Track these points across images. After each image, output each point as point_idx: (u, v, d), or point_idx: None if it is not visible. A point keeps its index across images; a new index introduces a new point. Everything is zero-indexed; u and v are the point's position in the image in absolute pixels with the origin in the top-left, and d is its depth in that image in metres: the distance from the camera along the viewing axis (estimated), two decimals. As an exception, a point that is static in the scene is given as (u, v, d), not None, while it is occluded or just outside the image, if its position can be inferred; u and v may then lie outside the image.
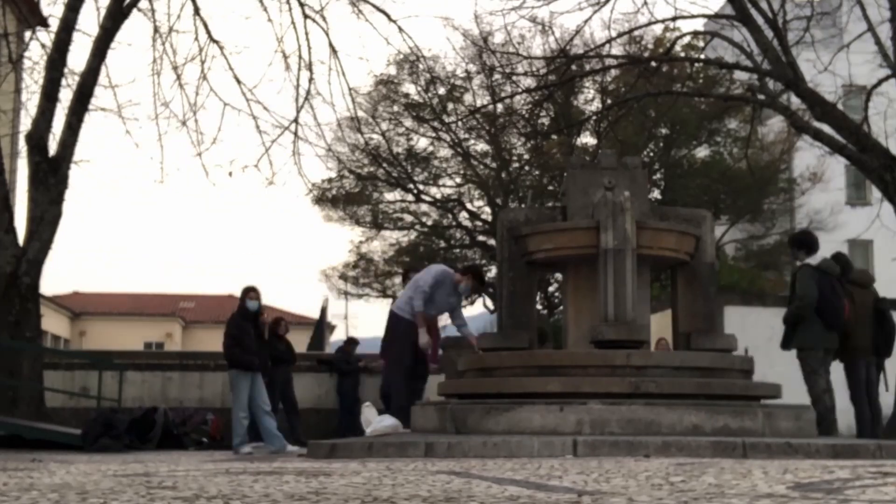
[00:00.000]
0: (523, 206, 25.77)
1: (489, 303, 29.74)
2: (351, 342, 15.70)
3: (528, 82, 19.40)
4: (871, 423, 9.44)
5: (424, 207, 30.19)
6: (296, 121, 15.58)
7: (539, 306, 24.99)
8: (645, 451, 6.60)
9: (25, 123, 15.10)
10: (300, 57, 15.62)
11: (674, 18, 15.97)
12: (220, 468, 5.55)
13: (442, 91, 26.68)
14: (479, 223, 29.59)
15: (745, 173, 22.92)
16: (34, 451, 10.42)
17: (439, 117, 27.71)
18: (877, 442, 7.70)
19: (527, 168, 28.89)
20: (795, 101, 16.22)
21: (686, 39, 19.04)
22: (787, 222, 31.45)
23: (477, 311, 33.17)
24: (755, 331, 13.57)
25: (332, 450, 7.33)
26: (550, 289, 28.01)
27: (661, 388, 8.00)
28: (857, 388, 9.55)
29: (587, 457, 6.42)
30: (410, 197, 29.73)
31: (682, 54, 20.44)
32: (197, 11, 15.34)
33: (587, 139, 28.39)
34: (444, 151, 29.28)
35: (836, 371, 9.64)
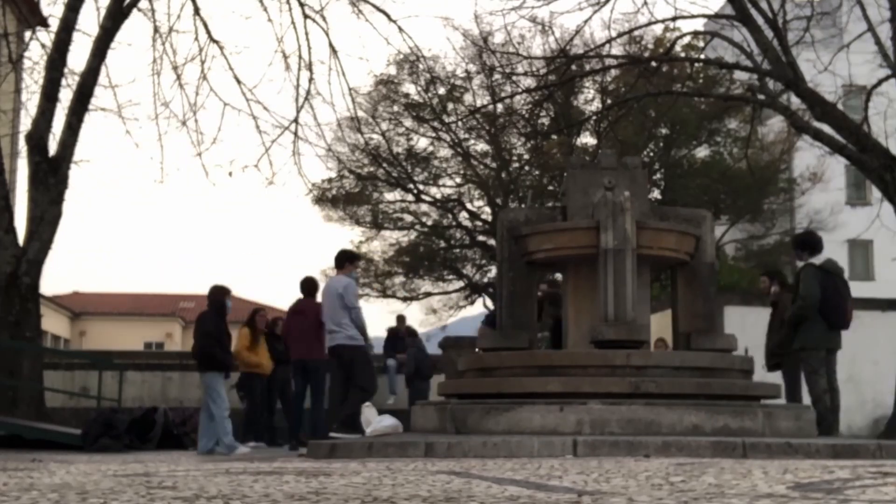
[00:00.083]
0: (523, 206, 25.78)
1: (489, 303, 29.75)
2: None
3: (528, 82, 19.40)
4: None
5: (424, 207, 30.20)
6: (296, 121, 15.60)
7: (539, 306, 24.96)
8: (645, 451, 6.60)
9: (25, 123, 15.11)
10: (300, 57, 15.64)
11: (674, 18, 15.96)
12: (220, 468, 5.55)
13: (442, 91, 26.68)
14: (479, 223, 29.59)
15: (745, 173, 22.90)
16: (34, 451, 10.42)
17: (439, 117, 27.71)
18: (877, 442, 7.71)
19: (527, 168, 28.89)
20: (795, 101, 16.20)
21: (686, 39, 19.02)
22: (787, 222, 31.45)
23: (477, 311, 33.15)
24: (755, 331, 13.55)
25: (332, 450, 7.33)
26: (550, 289, 27.98)
27: (661, 388, 8.00)
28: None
29: (587, 457, 6.41)
30: (410, 197, 29.73)
31: (682, 54, 20.42)
32: (197, 11, 15.35)
33: (587, 139, 28.40)
34: (444, 151, 29.29)
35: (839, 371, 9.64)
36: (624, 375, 8.15)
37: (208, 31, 15.47)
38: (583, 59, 19.10)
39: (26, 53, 15.89)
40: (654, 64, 17.58)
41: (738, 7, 14.37)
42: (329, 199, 29.41)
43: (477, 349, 10.55)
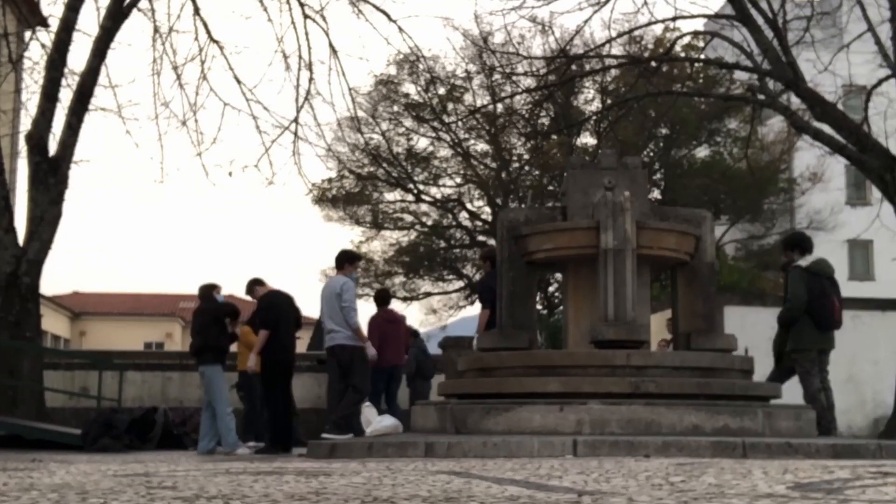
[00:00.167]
0: (523, 206, 25.78)
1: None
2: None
3: (528, 82, 19.41)
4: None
5: (424, 207, 30.21)
6: (296, 121, 15.60)
7: (539, 306, 25.00)
8: (645, 451, 6.60)
9: (25, 123, 15.11)
10: (300, 57, 15.65)
11: (674, 18, 15.96)
12: (220, 468, 5.55)
13: (442, 91, 26.69)
14: (479, 223, 29.60)
15: (745, 173, 22.91)
16: (34, 451, 10.42)
17: (439, 117, 27.72)
18: (877, 442, 7.71)
19: (527, 168, 28.90)
20: (795, 101, 16.20)
21: (686, 39, 19.02)
22: (787, 222, 31.45)
23: (477, 311, 33.14)
24: (755, 331, 13.55)
25: (332, 450, 7.33)
26: (550, 289, 28.01)
27: (661, 388, 8.00)
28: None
29: (587, 457, 6.41)
30: (410, 197, 29.74)
31: (682, 54, 20.42)
32: (197, 11, 15.36)
33: (587, 139, 28.40)
34: (444, 151, 29.30)
35: (833, 371, 9.64)
36: (624, 375, 8.15)
37: (208, 31, 15.48)
38: (583, 59, 19.11)
39: (26, 53, 15.90)
40: (654, 64, 17.58)
41: (738, 7, 14.37)
42: (329, 199, 29.42)
43: (476, 348, 10.54)
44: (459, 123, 27.19)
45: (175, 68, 15.45)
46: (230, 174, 15.84)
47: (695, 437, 7.13)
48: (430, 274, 30.82)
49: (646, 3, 17.24)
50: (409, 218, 30.38)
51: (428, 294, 31.18)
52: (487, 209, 29.25)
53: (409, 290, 30.50)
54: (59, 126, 14.00)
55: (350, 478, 4.28)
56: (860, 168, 14.75)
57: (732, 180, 26.75)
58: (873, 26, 14.50)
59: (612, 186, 8.87)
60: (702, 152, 29.00)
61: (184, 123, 15.48)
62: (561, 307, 19.63)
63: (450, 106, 27.29)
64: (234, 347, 11.74)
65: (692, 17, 16.07)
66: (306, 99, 15.52)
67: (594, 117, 25.51)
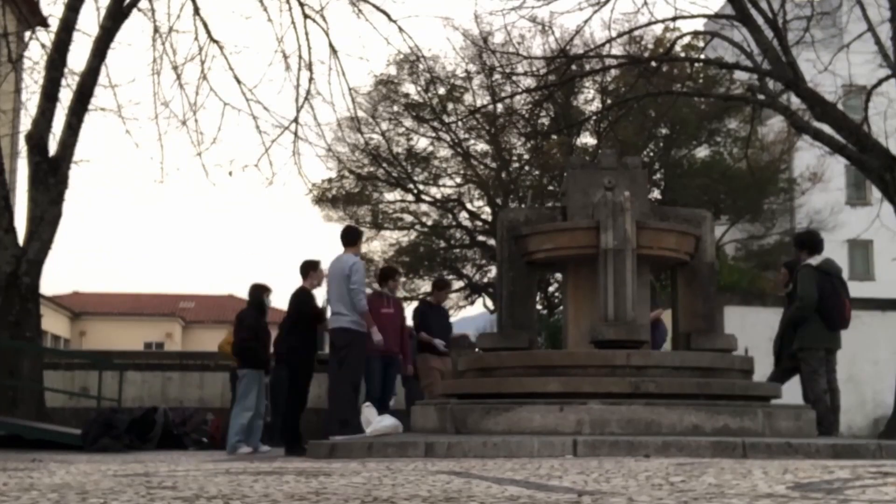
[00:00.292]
0: (523, 206, 25.78)
1: (489, 303, 29.76)
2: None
3: (528, 82, 19.41)
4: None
5: (424, 207, 30.21)
6: (296, 121, 15.61)
7: (539, 306, 25.00)
8: (645, 451, 6.60)
9: (25, 123, 15.12)
10: (300, 57, 15.66)
11: (674, 18, 15.96)
12: (220, 468, 5.55)
13: (442, 91, 26.68)
14: (479, 223, 29.60)
15: (745, 173, 22.91)
16: (34, 451, 10.42)
17: (439, 117, 27.71)
18: (877, 442, 7.71)
19: (527, 168, 28.90)
20: (795, 101, 16.20)
21: (686, 39, 19.02)
22: (787, 222, 31.46)
23: (477, 311, 33.17)
24: (755, 331, 13.55)
25: (332, 450, 7.33)
26: (550, 289, 28.01)
27: (661, 388, 8.00)
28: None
29: (587, 457, 6.41)
30: (410, 197, 29.74)
31: (682, 54, 20.42)
32: (197, 11, 15.36)
33: (587, 139, 28.40)
34: (444, 151, 29.30)
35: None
36: (624, 375, 8.15)
37: (208, 31, 15.49)
38: (583, 59, 19.11)
39: (26, 53, 15.91)
40: (654, 64, 17.58)
41: (738, 7, 14.37)
42: (329, 199, 29.42)
43: (476, 349, 10.53)
44: (459, 123, 27.19)
45: (175, 68, 15.46)
46: (230, 174, 15.89)
47: (695, 437, 7.13)
48: (430, 274, 30.80)
49: (646, 3, 17.25)
50: (409, 218, 30.38)
51: (428, 294, 31.16)
52: (487, 209, 29.26)
53: (409, 290, 30.50)
54: (59, 126, 14.01)
55: (350, 478, 4.28)
56: (860, 168, 14.75)
57: (732, 180, 26.76)
58: (873, 26, 14.50)
59: (612, 186, 8.87)
60: (702, 152, 29.00)
61: (184, 123, 15.50)
62: (561, 307, 19.63)
63: (450, 106, 27.29)
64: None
65: (692, 17, 16.08)
66: (306, 99, 15.54)
67: (594, 117, 25.51)
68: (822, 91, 14.68)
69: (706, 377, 8.45)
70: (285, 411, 10.53)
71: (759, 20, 14.39)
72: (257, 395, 10.52)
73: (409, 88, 28.10)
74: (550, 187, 27.39)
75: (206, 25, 15.43)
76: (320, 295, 10.48)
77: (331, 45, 15.58)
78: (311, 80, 15.51)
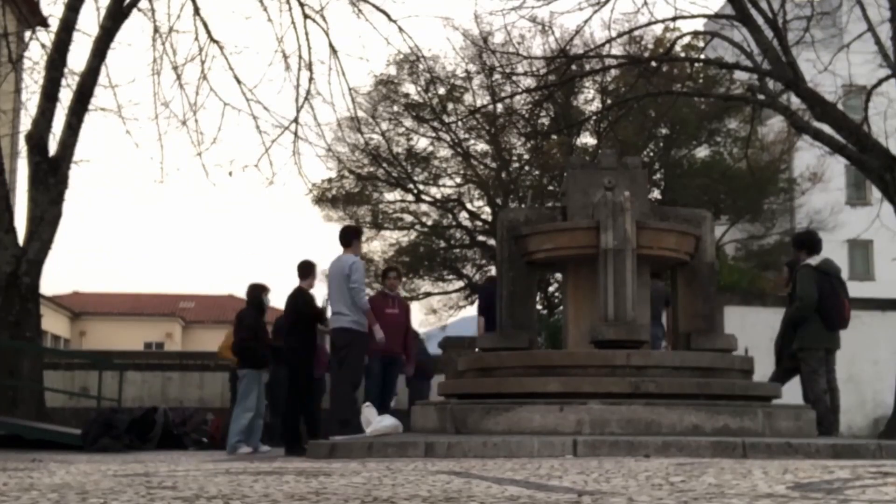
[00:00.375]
0: (523, 206, 25.77)
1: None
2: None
3: (528, 82, 19.41)
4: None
5: (424, 207, 30.19)
6: (296, 121, 15.62)
7: (539, 306, 25.00)
8: (645, 451, 6.60)
9: (25, 123, 15.13)
10: (300, 57, 15.67)
11: (674, 18, 15.97)
12: (220, 468, 5.55)
13: (442, 91, 26.68)
14: (479, 223, 29.59)
15: (745, 173, 22.90)
16: (34, 451, 10.42)
17: (439, 117, 27.70)
18: (877, 442, 7.71)
19: (527, 168, 28.89)
20: (795, 101, 16.20)
21: (686, 39, 19.02)
22: (787, 222, 31.45)
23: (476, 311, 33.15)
24: (755, 331, 13.55)
25: (332, 450, 7.33)
26: (550, 289, 28.01)
27: (661, 388, 8.00)
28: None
29: (587, 457, 6.41)
30: (410, 197, 29.73)
31: (682, 54, 20.42)
32: (197, 11, 15.37)
33: (587, 139, 28.39)
34: (444, 151, 29.29)
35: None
36: (624, 375, 8.15)
37: (208, 31, 15.49)
38: (583, 59, 19.11)
39: (26, 53, 15.91)
40: (654, 64, 17.58)
41: (738, 7, 14.37)
42: (329, 199, 29.40)
43: (477, 349, 10.52)
44: (459, 123, 27.18)
45: (175, 68, 15.47)
46: (230, 174, 15.90)
47: (695, 437, 7.13)
48: (430, 274, 30.81)
49: (646, 3, 17.25)
50: (409, 218, 30.36)
51: (428, 294, 31.17)
52: (487, 209, 29.24)
53: (409, 290, 30.49)
54: (59, 126, 14.02)
55: (350, 478, 4.28)
56: (860, 168, 14.75)
57: (732, 180, 26.74)
58: (873, 26, 14.50)
59: (612, 186, 8.87)
60: (702, 152, 28.99)
61: (184, 123, 15.51)
62: (561, 307, 19.63)
63: (450, 106, 27.28)
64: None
65: (692, 17, 16.08)
66: (306, 99, 15.55)
67: (594, 117, 25.50)
68: (822, 91, 14.68)
69: (706, 377, 8.45)
70: (285, 412, 10.53)
71: (759, 20, 14.39)
72: (258, 395, 10.53)
73: (409, 88, 28.11)
74: (550, 187, 27.38)
75: (206, 25, 15.46)
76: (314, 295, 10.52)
77: (331, 45, 15.60)
78: (311, 80, 15.53)
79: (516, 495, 3.36)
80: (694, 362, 8.59)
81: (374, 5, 15.56)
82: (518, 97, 23.22)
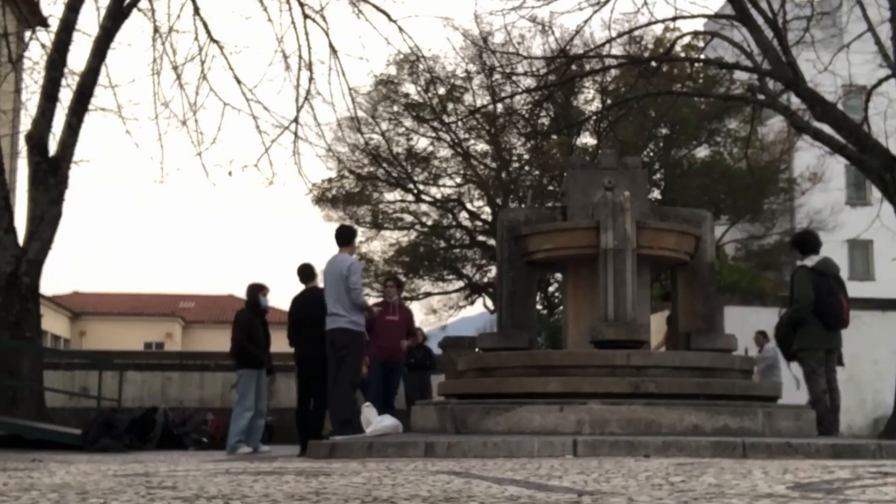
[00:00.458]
0: (523, 206, 25.77)
1: (489, 303, 29.75)
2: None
3: (528, 82, 19.42)
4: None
5: (424, 207, 30.20)
6: (296, 121, 15.62)
7: (539, 306, 25.01)
8: (645, 451, 6.60)
9: (25, 123, 15.13)
10: (300, 57, 15.68)
11: (674, 18, 15.97)
12: (220, 468, 5.55)
13: (442, 91, 26.68)
14: (479, 223, 29.59)
15: (745, 173, 22.90)
16: (34, 451, 10.42)
17: (439, 117, 27.71)
18: (877, 442, 7.71)
19: (527, 168, 28.89)
20: (795, 101, 16.20)
21: (686, 39, 19.03)
22: (787, 222, 31.44)
23: (477, 311, 33.18)
24: (755, 331, 13.57)
25: (332, 450, 7.33)
26: (550, 289, 28.01)
27: (661, 388, 8.00)
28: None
29: (587, 457, 6.41)
30: (410, 197, 29.73)
31: (682, 54, 20.43)
32: (197, 11, 15.37)
33: (587, 139, 28.40)
34: (444, 151, 29.29)
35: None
36: (624, 375, 8.15)
37: (208, 31, 15.50)
38: (583, 59, 19.11)
39: (26, 53, 15.92)
40: (654, 64, 17.59)
41: (738, 7, 14.37)
42: (329, 199, 29.41)
43: (477, 349, 10.53)
44: (459, 123, 27.19)
45: (175, 68, 15.47)
46: (230, 174, 15.91)
47: (695, 437, 7.13)
48: (430, 274, 30.81)
49: (646, 3, 17.26)
50: (409, 218, 30.37)
51: (428, 294, 31.18)
52: (487, 209, 29.25)
53: (409, 290, 30.49)
54: (59, 126, 14.02)
55: (350, 478, 4.28)
56: (860, 168, 14.76)
57: (732, 180, 26.74)
58: (873, 26, 14.50)
59: (612, 186, 8.87)
60: (702, 152, 28.99)
61: (184, 123, 15.51)
62: (561, 307, 19.64)
63: (450, 106, 27.28)
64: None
65: (692, 17, 16.10)
66: (306, 99, 15.55)
67: (594, 117, 25.51)
68: (822, 91, 14.68)
69: (706, 377, 8.45)
70: (299, 412, 10.46)
71: (759, 20, 14.40)
72: (257, 394, 10.52)
73: (409, 88, 28.12)
74: (550, 187, 27.38)
75: (206, 25, 15.46)
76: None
77: (331, 45, 15.61)
78: (311, 80, 15.54)
79: (516, 495, 3.36)
80: (694, 362, 8.59)
81: (374, 5, 15.58)
82: (518, 97, 23.24)
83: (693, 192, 26.66)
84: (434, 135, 28.68)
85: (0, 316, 13.26)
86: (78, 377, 15.28)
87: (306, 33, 15.58)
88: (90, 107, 14.35)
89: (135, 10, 14.64)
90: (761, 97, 15.51)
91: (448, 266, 30.63)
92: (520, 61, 19.50)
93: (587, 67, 20.68)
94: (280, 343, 10.99)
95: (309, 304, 10.04)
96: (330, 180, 28.77)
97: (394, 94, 28.00)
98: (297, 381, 10.13)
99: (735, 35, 15.57)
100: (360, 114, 22.49)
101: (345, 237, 9.81)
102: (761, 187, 27.16)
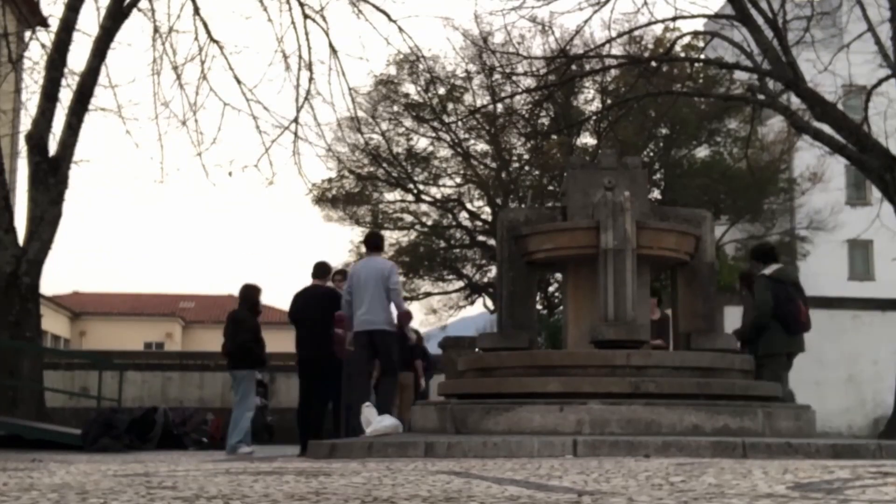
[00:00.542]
0: (523, 206, 25.78)
1: (489, 303, 29.75)
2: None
3: (528, 82, 19.43)
4: None
5: (424, 207, 30.22)
6: (296, 121, 15.63)
7: (539, 306, 25.00)
8: (645, 451, 6.60)
9: (25, 123, 15.14)
10: (300, 57, 15.68)
11: (674, 18, 15.98)
12: (220, 468, 5.54)
13: (442, 91, 26.69)
14: (479, 223, 29.60)
15: (745, 173, 22.92)
16: (34, 451, 10.42)
17: (439, 117, 27.71)
18: (877, 442, 7.71)
19: (527, 168, 28.90)
20: (795, 101, 16.21)
21: (686, 39, 19.03)
22: (787, 222, 31.44)
23: (477, 311, 33.19)
24: (755, 331, 13.53)
25: (332, 450, 7.33)
26: (550, 289, 28.02)
27: (661, 388, 8.00)
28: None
29: (587, 457, 6.41)
30: (410, 197, 29.74)
31: (682, 54, 20.43)
32: (197, 11, 15.37)
33: (587, 139, 28.41)
34: (444, 151, 29.31)
35: (833, 371, 9.67)
36: (624, 375, 8.14)
37: (208, 31, 15.50)
38: (583, 59, 19.12)
39: (26, 53, 15.92)
40: (654, 64, 17.59)
41: (738, 7, 14.37)
42: (329, 199, 29.42)
43: (477, 349, 10.53)
44: (459, 123, 27.20)
45: (175, 68, 15.48)
46: (230, 174, 15.91)
47: (695, 437, 7.13)
48: (430, 274, 30.82)
49: (646, 3, 17.25)
50: (409, 218, 30.38)
51: (428, 294, 31.20)
52: (487, 209, 29.26)
53: (409, 290, 30.51)
54: (59, 126, 14.02)
55: (350, 478, 4.28)
56: (860, 168, 14.76)
57: (732, 180, 26.75)
58: (873, 26, 14.51)
59: (612, 186, 8.87)
60: (702, 152, 29.00)
61: (184, 123, 15.52)
62: (561, 307, 19.64)
63: (450, 106, 27.29)
64: None
65: (692, 17, 16.10)
66: (306, 99, 15.56)
67: (594, 117, 25.52)
68: (822, 91, 14.69)
69: (706, 377, 8.45)
70: (300, 412, 10.47)
71: (759, 20, 14.40)
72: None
73: (409, 88, 28.13)
74: (550, 187, 27.39)
75: (206, 25, 15.46)
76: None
77: (331, 45, 15.61)
78: (311, 80, 15.55)
79: (516, 495, 3.36)
80: (694, 362, 8.59)
81: (374, 5, 15.58)
82: (518, 97, 23.25)
83: (693, 192, 26.67)
84: (434, 135, 28.69)
85: (0, 316, 13.26)
86: (78, 377, 15.28)
87: (306, 33, 15.61)
88: (90, 107, 14.36)
89: (135, 10, 14.65)
90: (761, 97, 15.51)
91: (448, 266, 30.64)
92: (520, 61, 19.52)
93: (587, 67, 20.69)
94: (279, 343, 11.04)
95: (309, 304, 10.06)
96: (330, 180, 28.79)
97: (394, 94, 28.02)
98: (299, 381, 10.16)
99: (735, 35, 15.58)
100: (360, 114, 22.51)
101: (378, 242, 9.99)
102: (761, 187, 27.17)
